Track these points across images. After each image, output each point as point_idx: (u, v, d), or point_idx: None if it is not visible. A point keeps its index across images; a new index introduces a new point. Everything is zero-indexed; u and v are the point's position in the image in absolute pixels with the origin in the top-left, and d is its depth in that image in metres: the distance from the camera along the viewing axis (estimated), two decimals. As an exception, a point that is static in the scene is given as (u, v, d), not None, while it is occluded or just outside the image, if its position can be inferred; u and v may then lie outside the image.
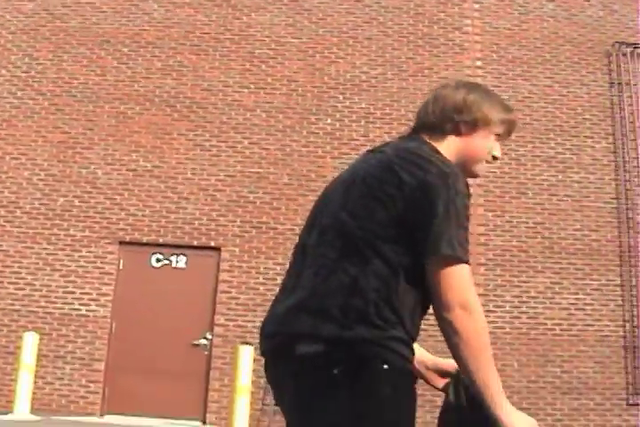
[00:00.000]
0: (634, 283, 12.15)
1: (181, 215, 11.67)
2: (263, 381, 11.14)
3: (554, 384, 11.65)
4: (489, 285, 11.77)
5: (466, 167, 2.36)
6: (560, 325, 11.81)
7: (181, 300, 11.42)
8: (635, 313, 12.05)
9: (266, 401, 11.08)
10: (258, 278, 11.46)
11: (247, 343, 10.81)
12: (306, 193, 11.65)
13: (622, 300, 12.09)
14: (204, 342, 11.36)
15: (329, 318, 2.10)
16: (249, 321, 11.33)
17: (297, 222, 11.70)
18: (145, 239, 11.57)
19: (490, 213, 12.08)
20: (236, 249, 11.57)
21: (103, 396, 11.15)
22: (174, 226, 11.62)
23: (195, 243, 11.61)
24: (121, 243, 11.57)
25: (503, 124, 2.39)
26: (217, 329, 11.33)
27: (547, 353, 11.63)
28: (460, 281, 2.07)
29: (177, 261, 11.64)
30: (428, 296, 2.15)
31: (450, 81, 2.57)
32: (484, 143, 2.37)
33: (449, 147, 2.33)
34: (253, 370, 10.68)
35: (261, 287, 11.42)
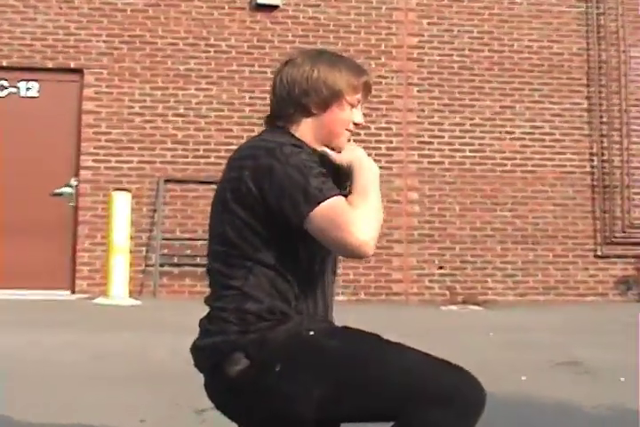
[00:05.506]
0: (604, 107, 12.60)
1: (29, 29, 11.62)
2: (145, 236, 11.49)
3: (504, 232, 12.21)
4: (423, 110, 12.10)
5: (328, 145, 2.85)
6: (512, 159, 12.27)
7: (35, 138, 11.43)
8: (605, 144, 12.55)
9: (151, 261, 11.45)
10: (133, 108, 11.62)
11: (123, 189, 11.09)
12: (191, -3, 11.83)
13: (590, 128, 12.54)
14: (67, 190, 11.53)
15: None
16: (124, 162, 11.54)
17: (180, 35, 11.80)
18: (-16, 61, 11.62)
19: (425, 21, 12.25)
20: (104, 71, 11.64)
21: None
22: (21, 43, 11.61)
23: (49, 64, 11.63)
24: (-46, 69, 11.61)
25: (357, 90, 2.88)
26: (84, 173, 11.50)
27: (495, 194, 12.14)
28: (341, 215, 2.57)
29: (27, 89, 11.70)
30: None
31: (294, 54, 2.96)
32: (340, 117, 2.86)
33: (305, 130, 2.84)
34: (132, 223, 11.00)
35: (137, 119, 11.60)
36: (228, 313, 2.68)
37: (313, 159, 2.69)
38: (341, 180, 2.76)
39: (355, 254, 2.56)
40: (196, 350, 2.75)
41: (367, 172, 2.74)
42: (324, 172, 2.66)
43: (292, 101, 2.83)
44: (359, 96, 2.89)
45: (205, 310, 2.79)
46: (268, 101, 10.31)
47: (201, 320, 2.80)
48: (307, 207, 2.57)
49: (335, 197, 2.59)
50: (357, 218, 2.55)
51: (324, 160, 2.79)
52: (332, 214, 2.56)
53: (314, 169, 2.64)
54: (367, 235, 2.54)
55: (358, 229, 2.53)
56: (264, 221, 2.67)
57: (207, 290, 2.85)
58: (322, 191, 2.58)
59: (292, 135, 2.82)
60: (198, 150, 11.69)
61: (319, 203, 2.57)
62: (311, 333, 2.62)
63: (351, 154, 2.81)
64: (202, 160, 11.66)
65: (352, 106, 2.87)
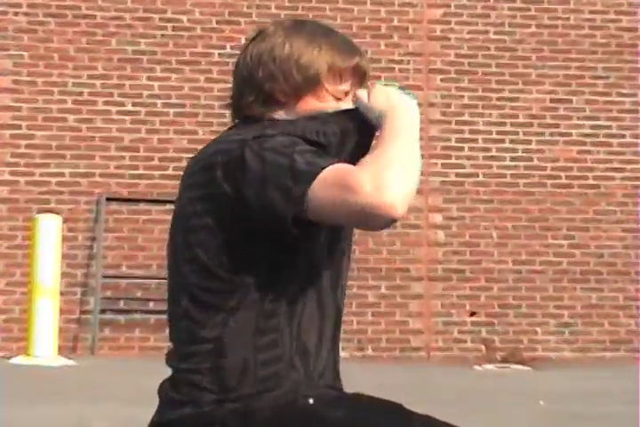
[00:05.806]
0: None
1: None
2: (81, 273, 11.46)
3: (558, 267, 12.27)
4: (449, 106, 12.16)
5: None
6: (567, 170, 12.35)
7: None
8: (691, 150, 12.66)
9: (89, 306, 11.45)
10: (65, 103, 11.63)
11: (51, 212, 11.09)
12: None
13: (669, 129, 12.66)
14: (-24, 212, 11.63)
15: None
16: (52, 175, 11.56)
17: (127, 6, 11.73)
18: None
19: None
20: (24, 53, 11.64)
21: None
22: None
23: (-48, 45, 11.76)
24: None
25: (342, 76, 2.73)
26: (-2, 191, 11.60)
27: (546, 216, 12.20)
28: (349, 174, 2.42)
29: None
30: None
31: (268, 25, 2.84)
32: (320, 109, 2.72)
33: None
34: (63, 256, 10.99)
35: (70, 117, 11.59)
36: (200, 376, 2.62)
37: (290, 139, 2.56)
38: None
39: (375, 221, 2.39)
40: None
41: (401, 111, 2.57)
42: (315, 150, 2.53)
43: (253, 86, 2.73)
44: (346, 87, 2.76)
45: (166, 372, 2.73)
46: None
47: (161, 386, 2.72)
48: (301, 187, 2.42)
49: (337, 163, 2.45)
50: (374, 173, 2.36)
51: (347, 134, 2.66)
52: (338, 175, 2.40)
53: (297, 146, 2.51)
54: (390, 193, 2.34)
55: (376, 186, 2.34)
56: (250, 239, 2.58)
57: (167, 344, 2.80)
58: (314, 164, 2.44)
59: (275, 120, 2.72)
60: (152, 159, 11.73)
61: (317, 175, 2.42)
62: (310, 400, 2.58)
63: (383, 100, 2.64)
64: (156, 172, 11.69)
65: (337, 99, 2.75)
